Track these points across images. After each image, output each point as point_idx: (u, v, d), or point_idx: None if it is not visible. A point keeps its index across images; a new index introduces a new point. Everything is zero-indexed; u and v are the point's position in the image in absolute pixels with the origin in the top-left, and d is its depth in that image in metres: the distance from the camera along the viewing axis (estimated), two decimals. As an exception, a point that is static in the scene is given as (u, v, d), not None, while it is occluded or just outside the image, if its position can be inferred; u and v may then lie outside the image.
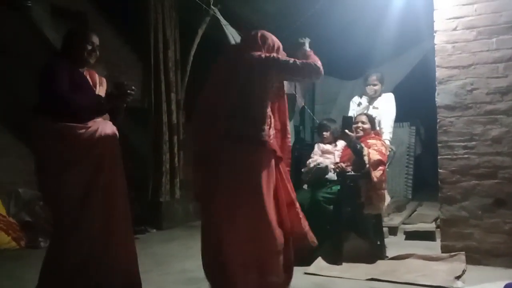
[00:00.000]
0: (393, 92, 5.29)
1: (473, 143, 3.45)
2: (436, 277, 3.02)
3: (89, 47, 2.66)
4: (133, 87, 2.63)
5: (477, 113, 3.45)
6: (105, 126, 2.65)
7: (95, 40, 2.69)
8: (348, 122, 3.65)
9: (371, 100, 4.30)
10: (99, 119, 2.66)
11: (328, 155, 4.03)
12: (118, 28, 5.92)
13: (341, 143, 4.05)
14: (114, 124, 2.74)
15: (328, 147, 4.10)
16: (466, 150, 3.47)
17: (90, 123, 2.59)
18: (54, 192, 2.54)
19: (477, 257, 3.37)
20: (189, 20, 5.51)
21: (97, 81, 2.77)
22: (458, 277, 3.01)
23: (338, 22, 5.46)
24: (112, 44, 5.75)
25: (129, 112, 2.90)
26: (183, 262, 3.66)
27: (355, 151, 3.59)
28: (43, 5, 5.04)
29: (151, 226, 5.11)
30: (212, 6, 5.29)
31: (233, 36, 5.52)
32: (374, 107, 4.22)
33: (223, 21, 5.39)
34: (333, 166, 3.80)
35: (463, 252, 3.36)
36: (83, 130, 2.55)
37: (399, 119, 6.54)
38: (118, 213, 2.63)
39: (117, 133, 2.72)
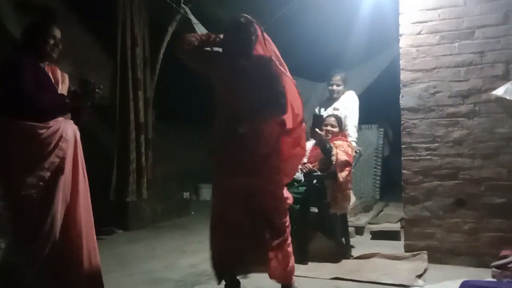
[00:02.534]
0: (363, 94, 5.35)
1: (436, 144, 3.53)
2: (398, 276, 3.08)
3: (51, 41, 2.56)
4: (100, 86, 2.57)
5: (440, 115, 3.53)
6: (66, 126, 2.57)
7: (57, 33, 2.60)
8: (319, 120, 3.66)
9: (331, 101, 4.19)
10: (60, 118, 2.58)
11: (296, 156, 4.04)
12: (89, 24, 5.79)
13: (308, 144, 4.07)
14: (76, 123, 2.67)
15: (296, 147, 4.11)
16: (428, 152, 3.55)
17: (51, 123, 2.50)
18: (13, 194, 2.46)
19: (439, 256, 3.45)
20: (160, 18, 5.45)
21: (59, 78, 2.68)
22: (419, 276, 3.08)
23: (309, 25, 5.50)
24: (82, 40, 5.62)
25: (97, 110, 2.83)
26: (148, 263, 3.61)
27: (324, 150, 3.62)
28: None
29: (117, 227, 5.01)
30: (183, 5, 5.25)
31: (204, 35, 5.48)
32: (334, 109, 4.12)
33: (194, 20, 5.35)
34: (300, 166, 3.82)
35: (425, 251, 3.43)
36: (44, 130, 2.47)
37: (368, 121, 6.65)
38: (80, 215, 2.56)
39: (79, 133, 2.65)
